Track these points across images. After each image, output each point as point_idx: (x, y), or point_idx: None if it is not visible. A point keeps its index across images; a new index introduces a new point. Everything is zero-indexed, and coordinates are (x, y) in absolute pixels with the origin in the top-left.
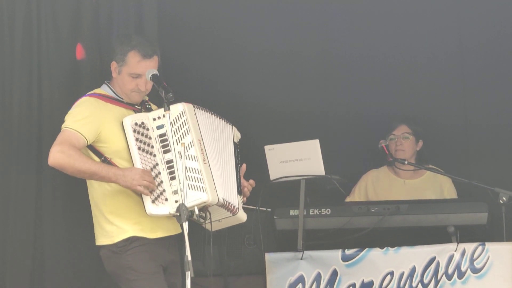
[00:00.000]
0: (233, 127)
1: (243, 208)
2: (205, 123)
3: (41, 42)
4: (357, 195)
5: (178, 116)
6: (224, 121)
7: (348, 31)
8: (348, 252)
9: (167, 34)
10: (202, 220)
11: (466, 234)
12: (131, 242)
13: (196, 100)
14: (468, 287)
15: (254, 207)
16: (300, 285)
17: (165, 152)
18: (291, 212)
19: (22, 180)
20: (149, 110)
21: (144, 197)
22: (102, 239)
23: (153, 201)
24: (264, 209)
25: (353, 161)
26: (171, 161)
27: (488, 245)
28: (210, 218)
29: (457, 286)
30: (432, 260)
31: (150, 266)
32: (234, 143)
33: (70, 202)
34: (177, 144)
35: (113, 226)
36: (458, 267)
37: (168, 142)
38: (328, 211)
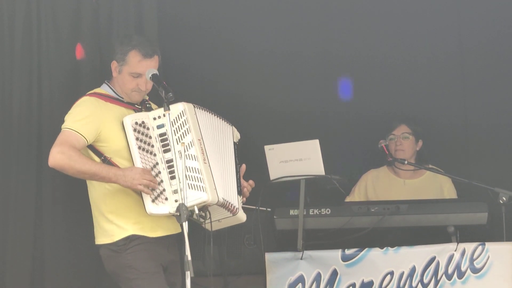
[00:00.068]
0: (233, 127)
1: (243, 208)
2: (205, 123)
3: (41, 42)
4: (357, 195)
5: (178, 115)
6: (224, 121)
7: (348, 31)
8: (348, 252)
9: (167, 34)
10: (202, 220)
11: (466, 234)
12: (131, 241)
13: (196, 100)
14: (468, 287)
15: (254, 207)
16: (300, 285)
17: (165, 151)
18: (291, 212)
19: (22, 180)
20: (149, 109)
21: (144, 196)
22: (102, 238)
23: (153, 201)
24: (264, 209)
25: (353, 161)
26: (171, 160)
27: (488, 245)
28: (210, 218)
29: (457, 286)
30: (432, 260)
31: (150, 265)
32: (234, 143)
33: (70, 202)
34: (177, 143)
35: (113, 225)
36: (458, 267)
37: (168, 141)
38: (328, 211)
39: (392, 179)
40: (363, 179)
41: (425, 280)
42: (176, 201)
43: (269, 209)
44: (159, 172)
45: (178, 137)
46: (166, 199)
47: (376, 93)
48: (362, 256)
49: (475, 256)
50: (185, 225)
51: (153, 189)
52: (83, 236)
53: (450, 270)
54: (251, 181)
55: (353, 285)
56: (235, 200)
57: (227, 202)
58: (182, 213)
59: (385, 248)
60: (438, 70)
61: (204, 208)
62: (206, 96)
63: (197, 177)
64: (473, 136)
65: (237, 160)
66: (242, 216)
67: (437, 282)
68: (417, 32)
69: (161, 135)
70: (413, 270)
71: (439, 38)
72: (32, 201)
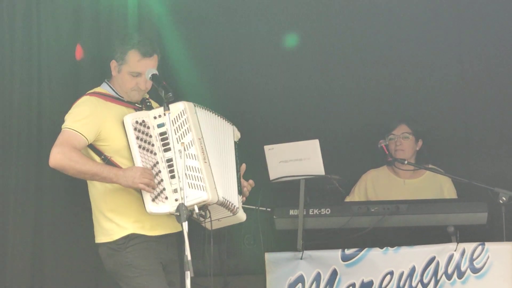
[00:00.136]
0: (233, 126)
1: (243, 208)
2: (205, 122)
3: (41, 42)
4: (356, 195)
5: (179, 114)
6: (225, 120)
7: (349, 32)
8: (348, 252)
9: (167, 34)
10: (202, 219)
11: (465, 234)
12: (131, 239)
13: (196, 100)
14: (468, 287)
15: (254, 207)
16: (299, 284)
17: (165, 150)
18: (291, 212)
19: (22, 180)
20: (150, 107)
21: (144, 195)
22: (101, 237)
23: (153, 200)
24: (264, 208)
25: (353, 161)
26: (171, 159)
27: (488, 245)
28: (210, 217)
29: (456, 286)
30: (432, 260)
31: (150, 263)
32: (234, 142)
33: (70, 202)
34: (178, 142)
35: (113, 224)
36: (457, 267)
37: (168, 140)
38: (327, 211)
39: (392, 179)
40: (363, 179)
41: (425, 280)
42: (176, 200)
43: (269, 209)
44: (159, 171)
45: (179, 136)
46: (166, 198)
47: (376, 93)
48: (362, 256)
49: (475, 256)
50: (185, 225)
51: (153, 188)
52: (83, 236)
53: (450, 270)
54: (251, 181)
55: (353, 285)
56: (235, 200)
57: (227, 201)
58: (182, 213)
59: (385, 248)
60: (438, 70)
61: (204, 207)
62: (206, 96)
63: (197, 176)
64: (473, 136)
65: (238, 159)
66: (242, 216)
67: (437, 282)
68: (418, 32)
69: (161, 134)
70: (413, 270)
71: (439, 38)
72: (32, 201)
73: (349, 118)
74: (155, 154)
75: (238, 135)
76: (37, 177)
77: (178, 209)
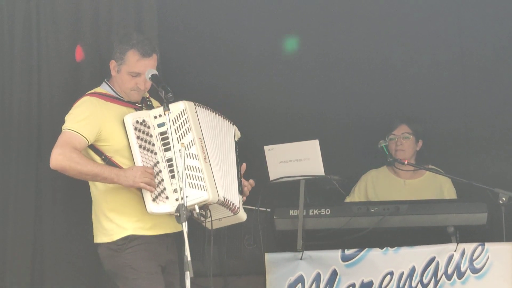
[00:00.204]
0: (234, 125)
1: (243, 208)
2: (206, 121)
3: (41, 42)
4: (356, 195)
5: (179, 114)
6: (225, 119)
7: (348, 32)
8: (348, 252)
9: (167, 34)
10: (202, 219)
11: (465, 234)
12: (130, 240)
13: (196, 100)
14: (468, 287)
15: (254, 207)
16: (299, 285)
17: (166, 150)
18: (291, 212)
19: (22, 180)
20: (150, 106)
21: (145, 195)
22: (101, 237)
23: (154, 200)
24: (264, 209)
25: (353, 161)
26: (172, 159)
27: (488, 245)
28: (210, 216)
29: (456, 286)
30: (432, 260)
31: (150, 265)
32: (235, 141)
33: (70, 202)
34: (178, 142)
35: (113, 224)
36: (457, 267)
37: (169, 140)
38: (327, 211)
39: (392, 179)
40: (363, 179)
41: (425, 281)
42: (176, 200)
43: (268, 210)
44: (160, 171)
45: (179, 135)
46: (167, 198)
47: (376, 94)
48: (361, 256)
49: (474, 257)
50: (185, 225)
51: (154, 187)
52: (83, 236)
53: (449, 271)
54: (251, 180)
55: (353, 285)
56: (236, 199)
57: (228, 201)
58: (182, 213)
59: (384, 248)
60: (438, 70)
61: (205, 207)
62: (206, 96)
63: (197, 176)
64: (473, 137)
65: (238, 159)
66: (242, 215)
67: (436, 282)
68: (418, 32)
69: (162, 133)
70: (412, 270)
71: (439, 38)
72: (32, 201)
73: (349, 118)
74: (155, 153)
75: (238, 134)
76: (37, 177)
77: (177, 210)
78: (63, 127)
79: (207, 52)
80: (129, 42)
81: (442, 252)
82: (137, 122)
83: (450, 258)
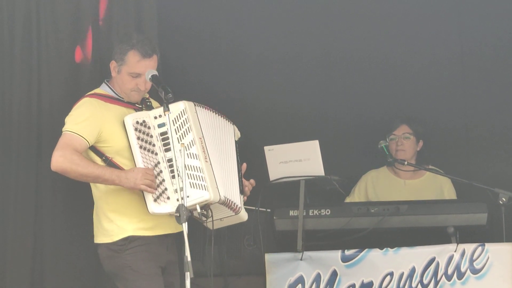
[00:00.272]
0: (234, 125)
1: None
2: (206, 121)
3: (41, 42)
4: (356, 195)
5: (179, 114)
6: (225, 119)
7: (348, 32)
8: (348, 252)
9: (167, 35)
10: (204, 219)
11: (465, 234)
12: (130, 241)
13: (196, 100)
14: None
15: (254, 208)
16: (299, 285)
17: (166, 150)
18: (291, 213)
19: (22, 180)
20: (150, 107)
21: (146, 195)
22: (101, 237)
23: (155, 200)
24: (264, 209)
25: (353, 162)
26: (172, 159)
27: (488, 245)
28: (212, 216)
29: (456, 286)
30: (432, 260)
31: (150, 266)
32: (235, 141)
33: (70, 202)
34: (178, 142)
35: (113, 225)
36: (457, 267)
37: (169, 140)
38: (327, 212)
39: (392, 179)
40: (363, 179)
41: (425, 281)
42: (178, 200)
43: (268, 210)
44: (161, 171)
45: (179, 136)
46: (168, 198)
47: (375, 94)
48: (362, 256)
49: (474, 257)
50: (185, 225)
51: (154, 189)
52: (83, 236)
53: (449, 271)
54: (252, 180)
55: (353, 285)
56: (237, 199)
57: (229, 200)
58: (182, 214)
59: (385, 248)
60: (438, 71)
61: (206, 206)
62: (206, 96)
63: (198, 175)
64: (473, 137)
65: (239, 158)
66: (244, 215)
67: (436, 282)
68: (418, 33)
69: (162, 134)
70: (412, 270)
71: (439, 39)
72: (32, 201)
73: (349, 119)
74: (156, 154)
75: (238, 134)
76: (37, 177)
77: (177, 210)
78: (63, 129)
79: (207, 52)
80: (129, 43)
81: (442, 252)
82: (137, 122)
83: (450, 259)
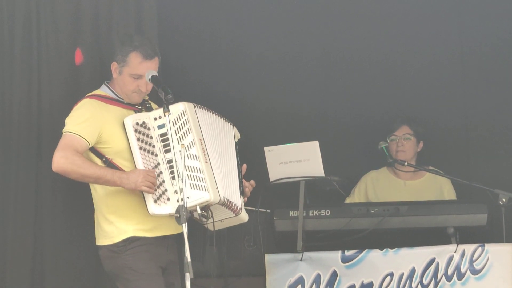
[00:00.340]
0: (234, 126)
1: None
2: (206, 122)
3: (41, 42)
4: (356, 196)
5: (179, 115)
6: (225, 120)
7: (348, 32)
8: (348, 253)
9: (167, 35)
10: (204, 220)
11: (465, 235)
12: (131, 242)
13: (196, 101)
14: None
15: (254, 208)
16: (299, 286)
17: (166, 151)
18: (291, 213)
19: (22, 180)
20: (150, 109)
21: (146, 197)
22: (102, 239)
23: (155, 201)
24: (264, 210)
25: (353, 163)
26: (172, 160)
27: (488, 246)
28: (212, 217)
29: (456, 287)
30: (432, 261)
31: (150, 266)
32: (235, 142)
33: (70, 202)
34: (178, 143)
35: (113, 227)
36: (457, 268)
37: (169, 141)
38: (327, 212)
39: (392, 180)
40: (363, 180)
41: (425, 282)
42: (178, 201)
43: (268, 211)
44: (161, 172)
45: (179, 137)
46: (168, 199)
47: (376, 94)
48: (362, 257)
49: (474, 258)
50: (185, 226)
51: (155, 190)
52: (83, 236)
53: (449, 272)
54: (252, 181)
55: (353, 286)
56: (238, 200)
57: (229, 201)
58: (182, 214)
59: (384, 249)
60: (438, 71)
61: (206, 207)
62: (206, 96)
63: (198, 176)
64: (473, 138)
65: (239, 159)
66: (244, 216)
67: (436, 283)
68: (418, 33)
69: (162, 135)
70: (412, 271)
71: (440, 39)
72: (32, 202)
73: (349, 119)
74: (156, 155)
75: (238, 135)
76: (37, 177)
77: (177, 211)
78: (64, 130)
79: (207, 52)
80: (131, 44)
81: (442, 253)
82: (137, 124)
83: (450, 259)
